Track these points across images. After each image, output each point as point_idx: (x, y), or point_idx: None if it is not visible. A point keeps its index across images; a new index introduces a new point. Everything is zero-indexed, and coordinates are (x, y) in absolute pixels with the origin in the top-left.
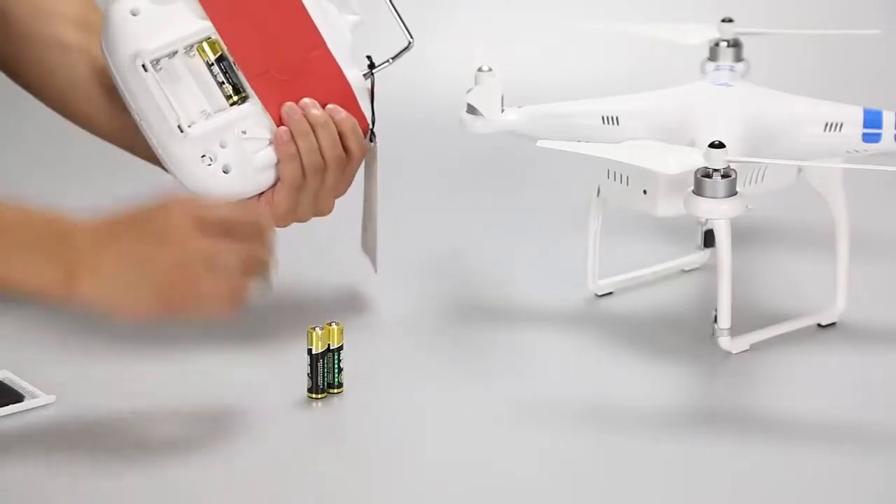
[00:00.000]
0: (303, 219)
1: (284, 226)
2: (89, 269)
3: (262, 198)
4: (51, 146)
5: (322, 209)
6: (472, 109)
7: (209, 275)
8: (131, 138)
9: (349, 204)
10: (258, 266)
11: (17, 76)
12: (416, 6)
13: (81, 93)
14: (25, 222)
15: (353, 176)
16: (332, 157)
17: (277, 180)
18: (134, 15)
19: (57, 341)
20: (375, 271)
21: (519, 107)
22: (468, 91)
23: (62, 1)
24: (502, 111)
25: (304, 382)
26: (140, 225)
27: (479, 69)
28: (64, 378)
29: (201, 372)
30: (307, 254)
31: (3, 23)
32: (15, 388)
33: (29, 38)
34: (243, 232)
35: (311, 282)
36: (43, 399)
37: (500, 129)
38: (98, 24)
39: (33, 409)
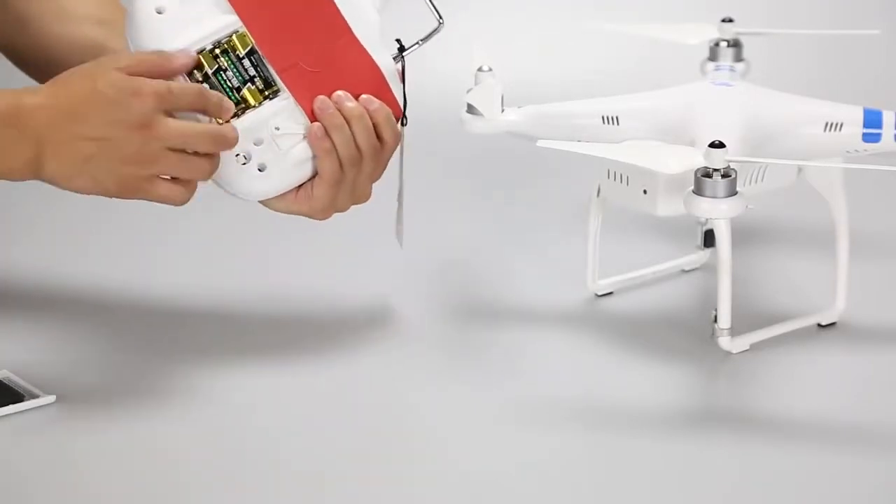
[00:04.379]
0: (342, 209)
1: (325, 218)
2: (51, 151)
3: (301, 192)
4: None
5: (360, 197)
6: (472, 109)
7: (169, 161)
8: None
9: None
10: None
11: (40, 77)
12: (415, 6)
13: None
14: None
15: (388, 161)
16: (367, 147)
17: (315, 173)
18: (159, 13)
19: (57, 341)
20: (401, 247)
21: (519, 107)
22: (468, 91)
23: (83, 2)
24: (502, 111)
25: (310, 384)
26: (105, 109)
27: (479, 69)
28: (64, 378)
29: (205, 372)
30: (306, 254)
31: (23, 25)
32: (15, 388)
33: (50, 39)
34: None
35: (311, 282)
36: (43, 399)
37: (500, 129)
38: (120, 21)
39: (33, 409)
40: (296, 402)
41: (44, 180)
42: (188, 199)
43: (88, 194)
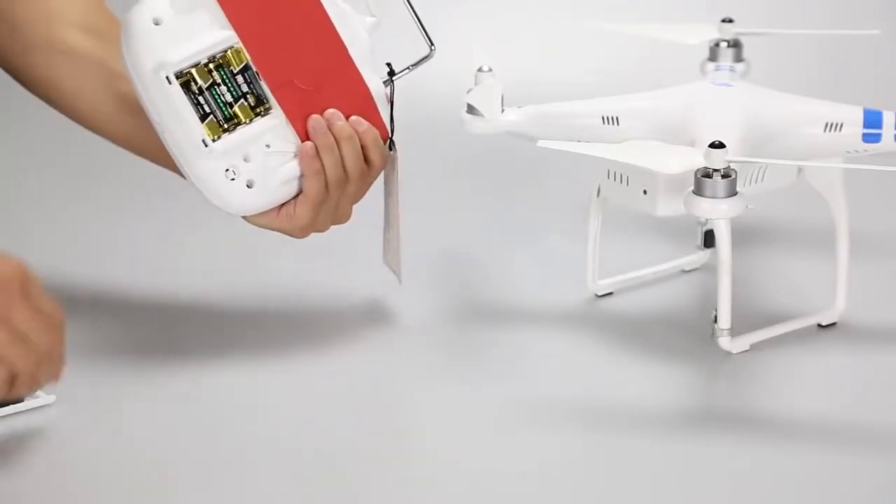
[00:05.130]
0: (322, 229)
1: (304, 237)
2: None
3: (283, 210)
4: (60, 150)
5: (340, 217)
6: (472, 109)
7: (27, 352)
8: (143, 143)
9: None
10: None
11: (25, 82)
12: (416, 7)
13: (91, 98)
14: None
15: (372, 184)
16: (354, 169)
17: (299, 192)
18: (156, 24)
19: None
20: (400, 283)
21: (519, 107)
22: (468, 91)
23: (69, 6)
24: (502, 111)
25: (309, 383)
26: None
27: (479, 69)
28: (64, 378)
29: (205, 372)
30: (306, 254)
31: (9, 29)
32: None
33: (36, 43)
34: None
35: (310, 282)
36: (43, 399)
37: (500, 129)
38: (108, 29)
39: (33, 409)
40: (295, 401)
41: None
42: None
43: None
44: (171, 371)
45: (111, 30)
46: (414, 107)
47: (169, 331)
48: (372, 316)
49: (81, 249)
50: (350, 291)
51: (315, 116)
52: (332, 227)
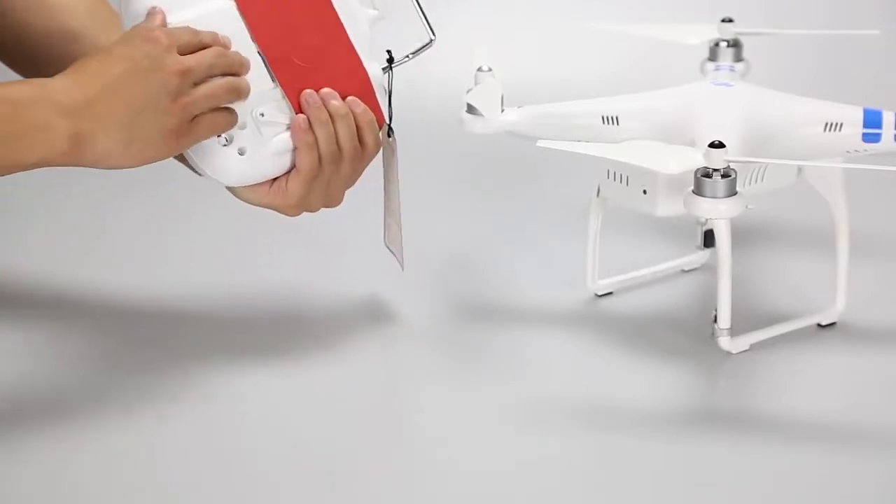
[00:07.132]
0: (313, 209)
1: (295, 215)
2: (95, 127)
3: (275, 185)
4: None
5: (332, 200)
6: (472, 109)
7: (201, 94)
8: None
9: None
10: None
11: (23, 69)
12: (409, 21)
13: None
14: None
15: (364, 168)
16: (348, 148)
17: (292, 167)
18: None
19: (52, 342)
20: (402, 269)
21: (519, 107)
22: (468, 91)
23: None
24: (502, 111)
25: (309, 384)
26: (123, 62)
27: (479, 69)
28: (61, 378)
29: (205, 372)
30: (305, 254)
31: (2, 14)
32: None
33: (28, 28)
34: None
35: (309, 282)
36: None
37: (500, 129)
38: (106, 13)
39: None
40: (295, 402)
41: (95, 162)
42: (236, 120)
43: (143, 164)
44: (168, 372)
45: (108, 15)
46: (414, 107)
47: (166, 331)
48: (371, 316)
49: (80, 251)
50: (349, 291)
51: (308, 90)
52: (330, 227)
